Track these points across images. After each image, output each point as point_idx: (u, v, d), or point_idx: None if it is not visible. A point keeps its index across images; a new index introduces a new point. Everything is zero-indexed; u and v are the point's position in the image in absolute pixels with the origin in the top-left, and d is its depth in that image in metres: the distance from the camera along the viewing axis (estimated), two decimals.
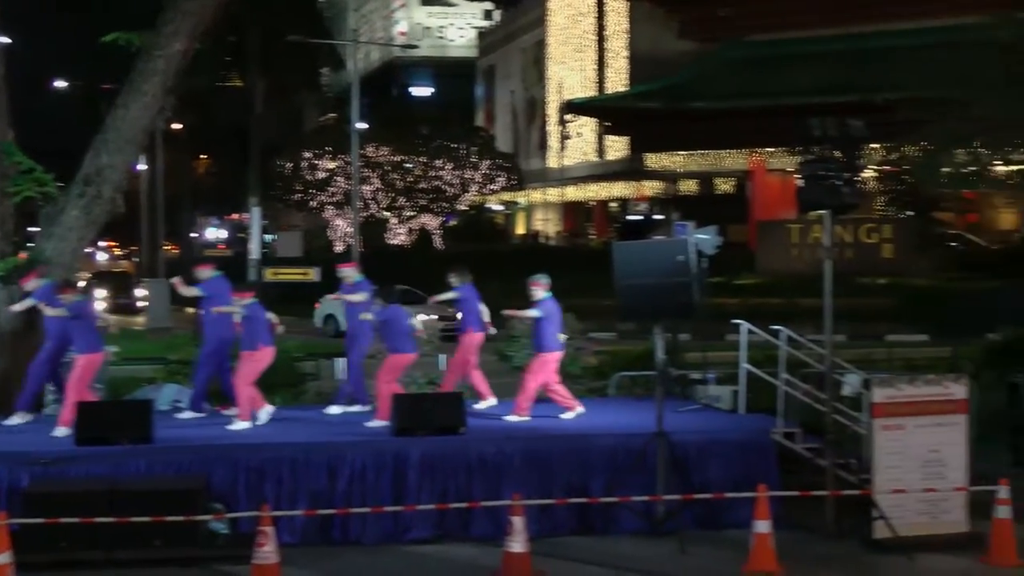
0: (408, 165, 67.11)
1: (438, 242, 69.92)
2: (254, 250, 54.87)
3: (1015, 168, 28.54)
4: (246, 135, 62.80)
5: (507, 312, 18.62)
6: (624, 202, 76.37)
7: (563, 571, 13.74)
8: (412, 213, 68.56)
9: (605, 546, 14.67)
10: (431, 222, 70.07)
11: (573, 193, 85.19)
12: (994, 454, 18.22)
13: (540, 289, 17.27)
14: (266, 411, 16.70)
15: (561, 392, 17.37)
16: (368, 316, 17.14)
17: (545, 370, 17.20)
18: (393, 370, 16.96)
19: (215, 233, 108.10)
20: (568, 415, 17.14)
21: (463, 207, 72.42)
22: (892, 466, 14.48)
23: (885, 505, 14.25)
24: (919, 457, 14.58)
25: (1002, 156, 28.28)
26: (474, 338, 17.97)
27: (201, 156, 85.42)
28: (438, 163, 67.25)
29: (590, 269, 31.14)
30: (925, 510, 14.53)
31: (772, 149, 61.80)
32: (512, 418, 16.99)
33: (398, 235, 68.70)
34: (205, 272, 17.96)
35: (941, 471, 14.61)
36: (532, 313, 17.06)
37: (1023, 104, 25.63)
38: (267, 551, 12.53)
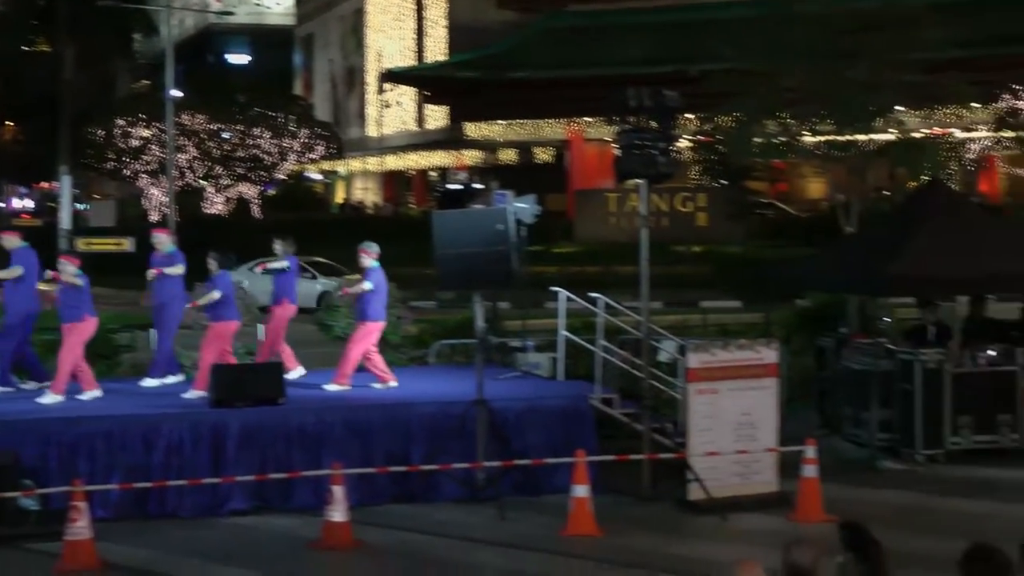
0: (225, 134, 65.99)
1: (256, 211, 69.01)
2: (64, 219, 53.51)
3: (822, 139, 29.28)
4: (55, 102, 61.12)
5: (342, 291, 18.55)
6: (444, 171, 76.19)
7: (384, 539, 13.79)
8: (229, 182, 67.45)
9: (426, 513, 14.74)
10: (249, 191, 69.05)
11: (393, 162, 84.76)
12: (802, 416, 18.75)
13: (370, 257, 17.17)
14: (91, 394, 16.24)
15: (379, 364, 17.31)
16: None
17: (368, 339, 17.14)
18: (218, 339, 16.73)
19: (21, 202, 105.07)
20: (378, 385, 17.07)
21: (282, 176, 71.50)
22: (706, 429, 14.77)
23: (699, 468, 14.54)
24: (732, 420, 14.90)
25: (809, 127, 28.96)
26: (288, 309, 17.82)
27: (7, 123, 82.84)
28: (256, 132, 66.20)
29: (410, 238, 31.04)
30: (737, 471, 14.88)
31: (590, 119, 62.21)
32: (333, 387, 16.92)
33: (215, 204, 67.60)
34: (11, 241, 17.45)
35: (753, 433, 14.96)
36: (366, 286, 16.95)
37: (827, 77, 26.39)
38: (80, 527, 12.33)
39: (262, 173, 68.31)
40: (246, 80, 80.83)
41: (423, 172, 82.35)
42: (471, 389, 15.21)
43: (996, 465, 16.89)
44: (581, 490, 13.94)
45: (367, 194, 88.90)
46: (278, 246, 18.05)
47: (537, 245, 38.56)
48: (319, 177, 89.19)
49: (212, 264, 17.07)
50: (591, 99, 51.08)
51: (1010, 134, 48.16)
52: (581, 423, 15.87)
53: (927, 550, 11.80)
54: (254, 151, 66.66)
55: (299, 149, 68.33)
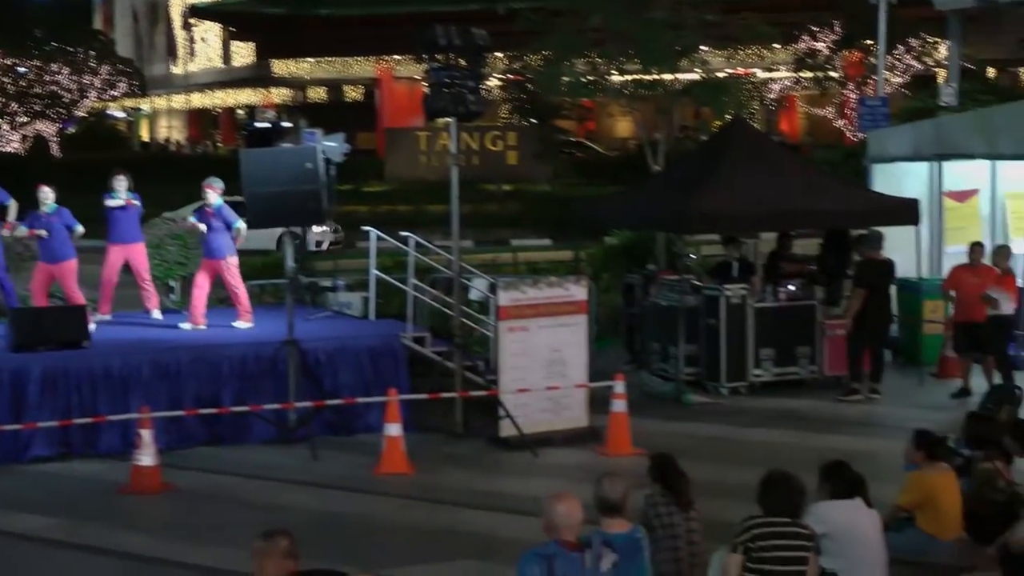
0: (21, 69, 64.04)
1: (56, 150, 67.19)
2: None
3: (629, 78, 29.63)
4: None
5: (179, 224, 18.17)
6: (251, 109, 75.18)
7: (194, 482, 13.65)
8: (26, 119, 65.56)
9: (237, 455, 14.63)
10: (47, 129, 67.19)
11: (199, 100, 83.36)
12: (611, 352, 19.06)
13: (214, 193, 16.86)
14: None
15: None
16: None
17: (210, 276, 16.87)
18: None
19: None
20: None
21: (82, 114, 69.74)
22: (517, 367, 14.87)
23: (511, 404, 14.66)
24: (542, 357, 15.03)
25: (616, 66, 29.27)
26: (118, 250, 17.33)
27: None
28: (53, 67, 64.41)
29: (218, 177, 30.67)
30: (548, 407, 15.03)
31: (400, 57, 61.97)
32: (187, 326, 16.66)
33: (11, 142, 65.61)
34: None
35: (563, 370, 15.12)
36: (200, 227, 16.66)
37: (629, 16, 26.74)
38: None
39: (61, 110, 66.49)
40: (43, 13, 78.28)
41: (230, 110, 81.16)
42: (281, 329, 15.13)
43: (796, 396, 17.41)
44: (393, 429, 13.97)
45: (172, 132, 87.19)
46: (120, 183, 17.35)
47: (347, 184, 38.49)
48: (122, 115, 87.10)
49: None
50: (400, 37, 50.81)
51: (809, 74, 49.26)
52: (393, 362, 15.88)
53: (732, 480, 12.12)
54: (52, 87, 64.83)
55: (100, 86, 66.64)
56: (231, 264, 17.01)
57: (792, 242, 20.17)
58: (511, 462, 14.40)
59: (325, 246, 35.67)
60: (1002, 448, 10.78)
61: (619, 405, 14.71)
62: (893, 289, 18.12)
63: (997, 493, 10.55)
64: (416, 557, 10.93)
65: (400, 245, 17.82)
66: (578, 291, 15.51)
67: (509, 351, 14.91)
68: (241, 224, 16.80)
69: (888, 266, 17.66)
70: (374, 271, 17.75)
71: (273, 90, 73.27)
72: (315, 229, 37.35)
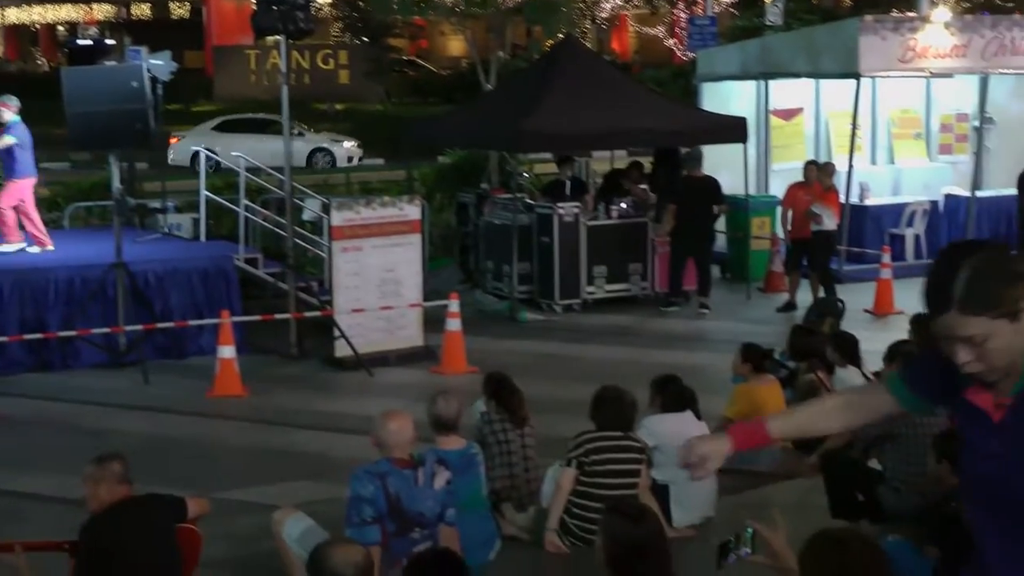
0: None
1: None
2: None
3: None
4: None
5: None
6: (73, 26, 73.20)
7: (22, 409, 13.40)
8: None
9: (66, 381, 14.38)
10: None
11: (15, 15, 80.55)
12: (446, 271, 19.11)
13: (9, 111, 16.35)
14: None
15: (38, 225, 16.52)
16: None
17: (17, 196, 16.39)
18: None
19: None
20: (35, 249, 16.37)
21: None
22: (351, 287, 14.84)
23: (345, 325, 14.64)
24: (377, 277, 15.01)
25: None
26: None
27: None
28: None
29: (38, 96, 29.81)
30: (383, 327, 15.04)
31: None
32: (4, 248, 16.21)
33: None
34: None
35: (397, 289, 15.13)
36: (8, 140, 16.15)
37: None
38: None
39: None
40: None
41: (50, 27, 78.70)
42: (109, 252, 14.85)
43: (628, 312, 17.67)
44: (226, 351, 13.86)
45: None
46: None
47: (174, 104, 37.74)
48: None
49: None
50: None
51: None
52: (225, 284, 15.68)
53: (565, 395, 12.26)
54: None
55: None
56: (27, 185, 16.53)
57: (641, 164, 20.36)
58: (346, 382, 14.40)
59: (355, 161, 35.20)
60: (824, 359, 11.08)
61: (453, 324, 14.78)
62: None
63: None
64: (251, 479, 10.91)
65: (231, 165, 17.62)
66: (411, 211, 15.50)
67: (343, 271, 14.86)
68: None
69: (706, 183, 17.91)
70: (204, 192, 17.53)
71: (95, 6, 71.29)
72: (346, 144, 37.01)
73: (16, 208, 16.17)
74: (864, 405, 4.44)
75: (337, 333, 14.66)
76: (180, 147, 35.15)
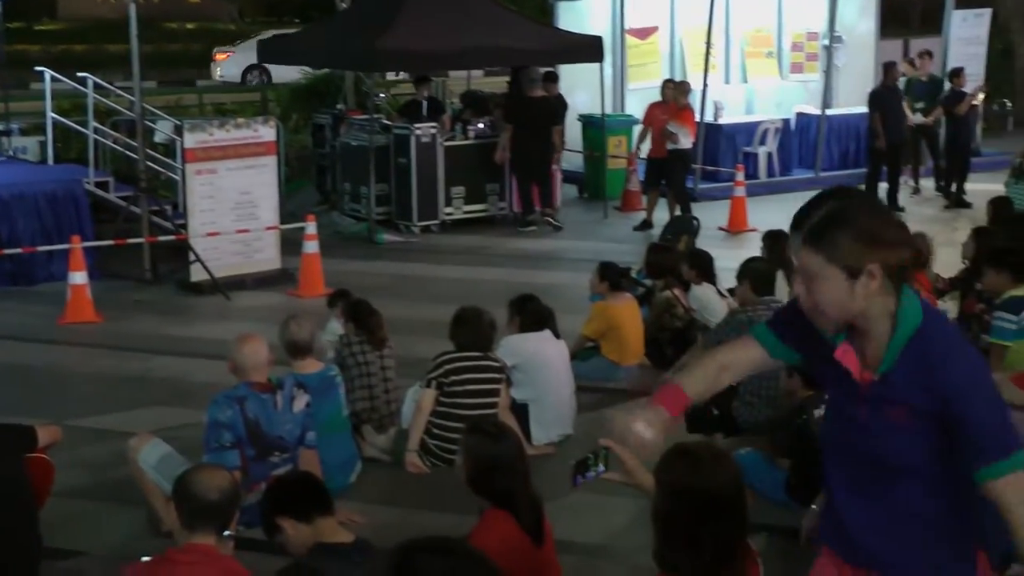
0: None
1: None
2: None
3: None
4: None
5: None
6: None
7: None
8: None
9: None
10: None
11: None
12: (303, 193, 18.97)
13: None
14: None
15: None
16: None
17: None
18: None
19: None
20: None
21: None
22: (206, 210, 14.64)
23: (201, 248, 14.46)
24: (232, 200, 14.82)
25: None
26: None
27: None
28: None
29: None
30: (239, 251, 14.88)
31: None
32: None
33: None
34: None
35: (253, 212, 14.96)
36: None
37: None
38: None
39: None
40: None
41: None
42: None
43: (486, 232, 17.71)
44: (78, 277, 13.60)
45: None
46: None
47: (16, 22, 36.75)
48: None
49: None
50: None
51: None
52: (75, 208, 15.35)
53: (425, 316, 12.27)
54: None
55: None
56: None
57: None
58: (202, 307, 14.25)
59: None
60: (680, 277, 11.23)
61: (311, 246, 14.68)
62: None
63: (675, 320, 11.03)
64: (107, 406, 10.73)
65: (78, 87, 17.23)
66: (266, 132, 15.30)
67: (197, 194, 14.65)
68: None
69: (544, 103, 17.95)
70: (51, 114, 17.13)
71: None
72: None
73: None
74: (742, 362, 4.43)
75: (192, 257, 14.47)
76: (228, 64, 35.03)
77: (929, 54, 21.23)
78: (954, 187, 19.37)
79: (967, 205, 18.70)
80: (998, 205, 12.58)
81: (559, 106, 18.25)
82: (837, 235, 3.68)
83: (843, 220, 3.72)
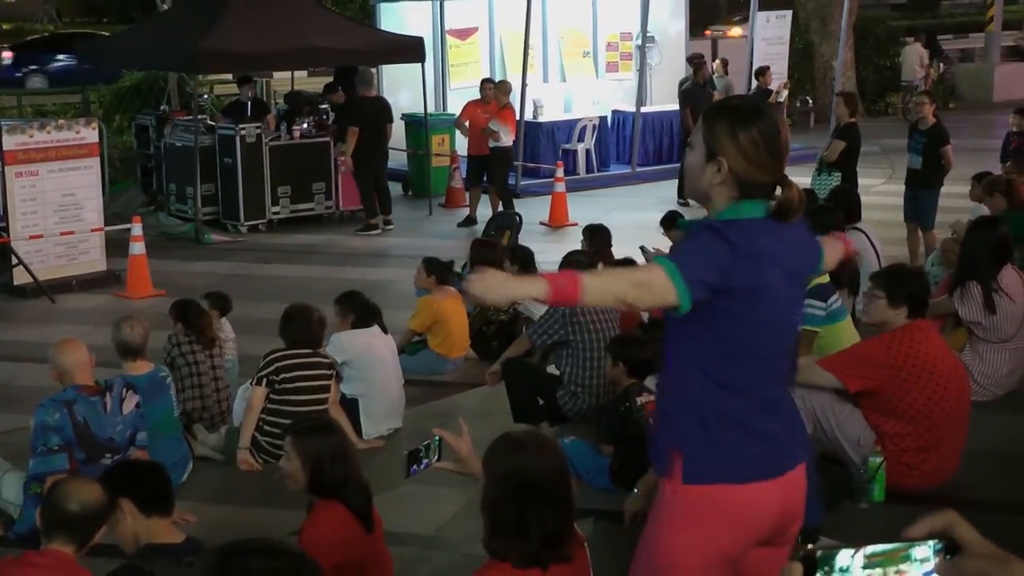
0: None
1: None
2: None
3: None
4: None
5: None
6: None
7: None
8: None
9: None
10: None
11: None
12: (128, 194, 18.64)
13: None
14: None
15: None
16: None
17: None
18: None
19: None
20: None
21: None
22: (28, 212, 14.35)
23: (24, 252, 14.16)
24: (55, 202, 14.54)
25: None
26: None
27: None
28: None
29: None
30: (64, 253, 14.59)
31: None
32: None
33: None
34: None
35: (78, 214, 14.68)
36: None
37: None
38: None
39: None
40: None
41: None
42: None
43: (313, 231, 17.61)
44: None
45: None
46: None
47: None
48: None
49: None
50: None
51: None
52: None
53: (254, 315, 12.13)
54: None
55: None
56: None
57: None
58: (27, 310, 13.91)
59: None
60: (502, 270, 11.31)
61: (137, 248, 14.44)
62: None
63: (500, 313, 11.12)
64: None
65: None
66: (89, 133, 15.03)
67: (18, 197, 14.31)
68: None
69: (379, 103, 17.93)
70: None
71: None
72: None
73: None
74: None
75: (15, 260, 14.15)
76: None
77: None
78: None
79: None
80: (806, 198, 12.90)
81: (389, 106, 18.17)
82: (720, 118, 3.90)
83: (733, 111, 3.94)
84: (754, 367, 4.00)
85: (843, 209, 11.06)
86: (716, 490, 3.98)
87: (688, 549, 3.99)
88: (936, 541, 1.55)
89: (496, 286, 3.73)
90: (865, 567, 1.47)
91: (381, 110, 17.82)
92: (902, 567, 1.51)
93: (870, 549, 1.50)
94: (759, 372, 4.02)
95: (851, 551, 1.49)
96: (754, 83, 20.60)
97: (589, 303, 3.94)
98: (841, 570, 1.47)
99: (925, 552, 1.54)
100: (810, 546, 1.49)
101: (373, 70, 18.29)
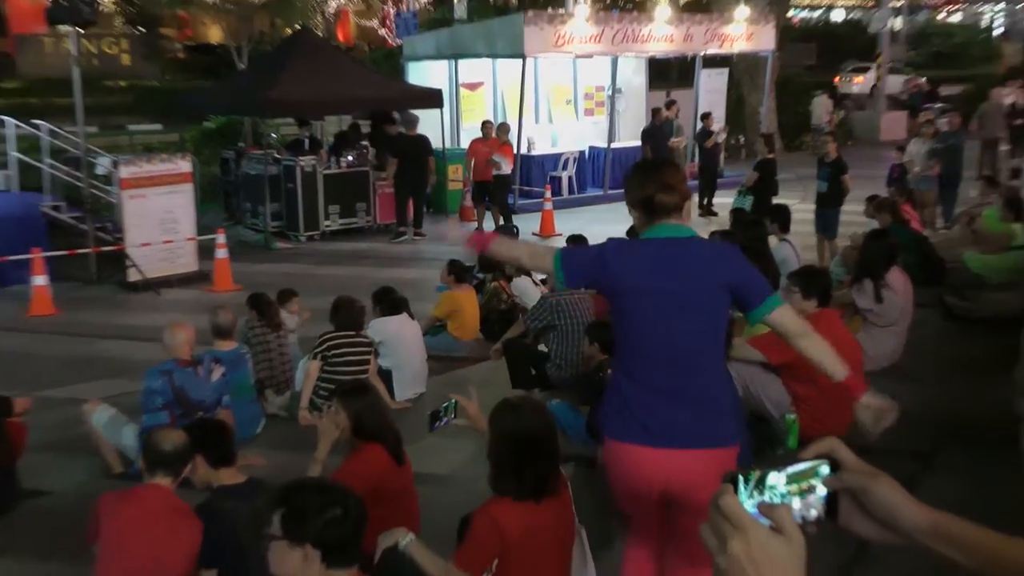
0: None
1: None
2: None
3: None
4: None
5: None
6: None
7: None
8: None
9: None
10: None
11: None
12: (213, 212, 18.63)
13: None
14: None
15: None
16: None
17: None
18: None
19: None
20: None
21: None
22: (138, 226, 14.40)
23: (135, 256, 14.20)
24: (158, 218, 14.60)
25: None
26: None
27: None
28: None
29: None
30: (165, 257, 14.65)
31: None
32: None
33: None
34: None
35: (175, 227, 14.74)
36: None
37: None
38: None
39: None
40: None
41: None
42: None
43: (356, 240, 17.61)
44: (39, 279, 13.30)
45: None
46: None
47: None
48: None
49: None
50: None
51: None
52: (35, 226, 14.93)
53: (312, 305, 12.11)
54: None
55: None
56: None
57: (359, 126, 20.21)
58: (139, 301, 13.96)
59: None
60: (504, 271, 11.31)
61: (221, 253, 14.50)
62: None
63: (501, 304, 11.11)
64: (66, 379, 10.48)
65: (34, 131, 16.76)
66: (184, 165, 15.10)
67: (131, 214, 14.40)
68: None
69: (418, 140, 17.91)
70: (13, 153, 16.63)
71: None
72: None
73: None
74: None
75: (129, 263, 14.20)
76: None
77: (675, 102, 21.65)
78: (705, 200, 19.81)
79: (714, 214, 19.12)
80: (736, 214, 12.94)
81: (428, 143, 18.07)
82: (631, 174, 4.07)
83: (637, 168, 4.16)
84: (646, 359, 3.99)
85: (780, 222, 11.14)
86: (612, 443, 4.17)
87: (617, 483, 4.20)
88: (824, 461, 1.61)
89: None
90: (787, 483, 1.53)
91: (420, 145, 17.70)
92: (812, 481, 1.57)
93: (790, 469, 1.55)
94: (650, 363, 4.00)
95: (776, 472, 1.53)
96: (699, 124, 20.56)
97: (495, 254, 4.30)
98: (771, 487, 1.51)
99: (826, 471, 1.61)
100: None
101: (418, 114, 18.19)
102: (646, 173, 3.99)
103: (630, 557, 4.40)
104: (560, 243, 13.20)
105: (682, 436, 3.98)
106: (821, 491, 1.58)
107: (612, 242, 3.94)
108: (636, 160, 4.40)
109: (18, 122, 16.73)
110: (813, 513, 1.56)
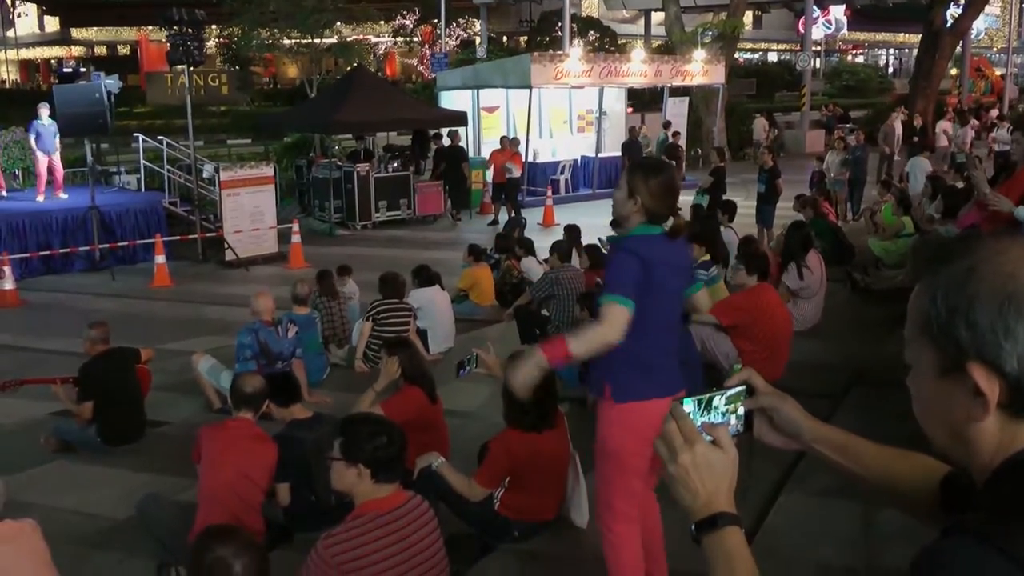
0: None
1: None
2: None
3: (293, 41, 28.62)
4: None
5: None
6: (60, 60, 67.04)
7: (41, 299, 12.51)
8: None
9: (65, 280, 13.50)
10: None
11: (25, 54, 73.43)
12: (290, 207, 18.52)
13: (45, 111, 14.74)
14: None
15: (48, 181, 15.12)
16: None
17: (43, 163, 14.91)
18: None
19: None
20: (40, 198, 14.98)
21: None
22: (233, 217, 14.34)
23: (231, 241, 14.14)
24: (248, 211, 14.54)
25: (286, 34, 28.26)
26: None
27: None
28: None
29: (45, 103, 27.37)
30: (253, 241, 14.58)
31: (152, 27, 56.76)
32: (41, 198, 14.68)
33: None
34: None
35: (261, 218, 14.67)
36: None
37: (292, 4, 25.77)
38: None
39: None
40: None
41: (46, 60, 72.10)
42: (87, 199, 13.91)
43: (399, 228, 17.47)
44: (159, 259, 13.26)
45: (9, 75, 76.37)
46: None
47: (122, 107, 35.24)
48: None
49: None
50: (153, 15, 46.72)
51: (401, 39, 48.53)
52: (157, 217, 14.88)
53: (363, 279, 12.02)
54: None
55: None
56: (55, 157, 15.24)
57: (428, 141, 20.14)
58: (233, 276, 13.89)
59: None
60: (515, 253, 11.19)
61: (295, 238, 14.45)
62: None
63: (512, 278, 10.99)
64: (180, 335, 10.40)
65: (158, 144, 16.71)
66: (268, 170, 15.03)
67: (228, 208, 14.33)
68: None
69: (456, 150, 17.92)
70: (142, 161, 16.62)
71: (73, 48, 65.70)
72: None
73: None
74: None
75: (226, 246, 14.13)
76: None
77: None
78: None
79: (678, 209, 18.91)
80: (696, 210, 12.79)
81: (465, 152, 18.25)
82: (638, 170, 3.58)
83: (646, 167, 3.63)
84: (662, 324, 3.74)
85: (729, 213, 11.10)
86: (634, 405, 3.60)
87: (637, 441, 3.57)
88: (744, 387, 1.60)
89: (521, 381, 3.33)
90: (726, 404, 1.53)
91: (458, 153, 18.06)
92: (740, 402, 1.57)
93: (727, 392, 1.54)
94: (664, 328, 3.74)
95: (717, 395, 1.53)
96: (663, 132, 20.37)
97: (582, 356, 3.42)
98: (715, 408, 1.51)
99: (744, 395, 1.61)
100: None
101: (461, 130, 18.33)
102: (671, 194, 3.68)
103: (627, 516, 3.70)
104: (558, 232, 13.08)
105: (678, 384, 3.82)
106: (741, 411, 1.57)
107: (633, 244, 3.58)
108: (652, 164, 3.86)
109: (145, 138, 16.71)
110: (737, 427, 1.55)
